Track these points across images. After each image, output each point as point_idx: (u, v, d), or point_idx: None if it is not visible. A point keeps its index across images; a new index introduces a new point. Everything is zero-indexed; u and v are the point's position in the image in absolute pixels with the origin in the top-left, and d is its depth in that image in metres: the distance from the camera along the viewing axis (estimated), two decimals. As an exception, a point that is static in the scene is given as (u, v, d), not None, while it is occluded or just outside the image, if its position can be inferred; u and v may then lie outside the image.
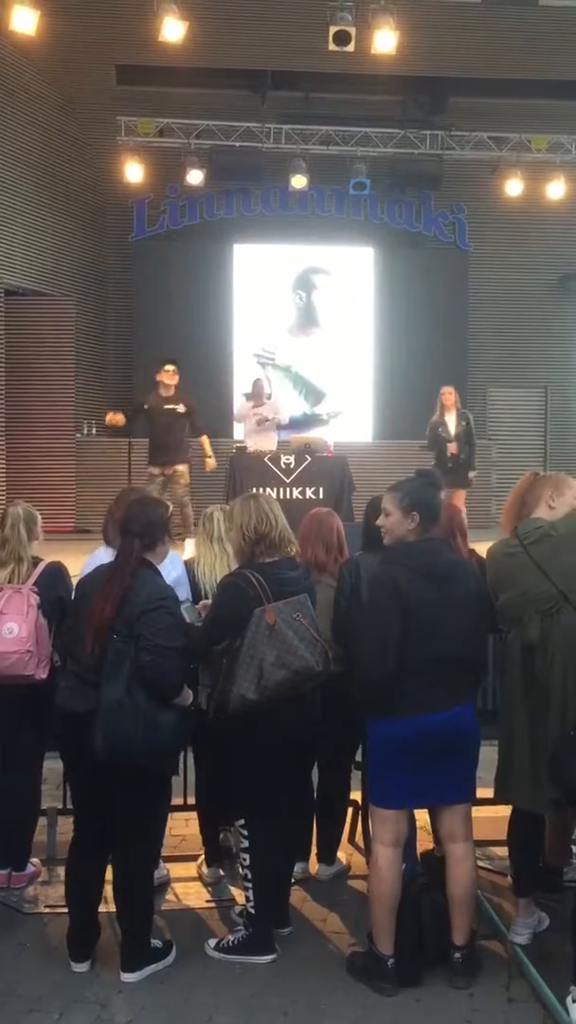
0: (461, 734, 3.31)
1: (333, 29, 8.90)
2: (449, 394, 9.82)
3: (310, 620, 3.45)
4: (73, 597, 3.67)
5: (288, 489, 10.09)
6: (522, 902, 3.66)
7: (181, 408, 9.33)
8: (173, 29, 8.81)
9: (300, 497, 9.98)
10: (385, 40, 8.93)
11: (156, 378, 9.49)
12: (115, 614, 3.25)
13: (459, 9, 9.63)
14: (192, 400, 9.48)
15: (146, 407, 9.47)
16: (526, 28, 10.59)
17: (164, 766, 3.47)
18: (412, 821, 3.63)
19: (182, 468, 9.38)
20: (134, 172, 12.45)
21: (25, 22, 8.53)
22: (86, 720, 3.22)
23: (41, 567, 4.03)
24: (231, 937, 3.61)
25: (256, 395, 10.62)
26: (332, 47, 8.98)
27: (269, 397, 10.87)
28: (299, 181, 12.61)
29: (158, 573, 3.47)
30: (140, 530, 3.42)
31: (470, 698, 3.39)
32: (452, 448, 9.60)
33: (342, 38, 8.92)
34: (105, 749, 3.19)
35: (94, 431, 12.50)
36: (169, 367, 9.41)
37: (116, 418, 9.33)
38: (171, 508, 3.66)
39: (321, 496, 10.02)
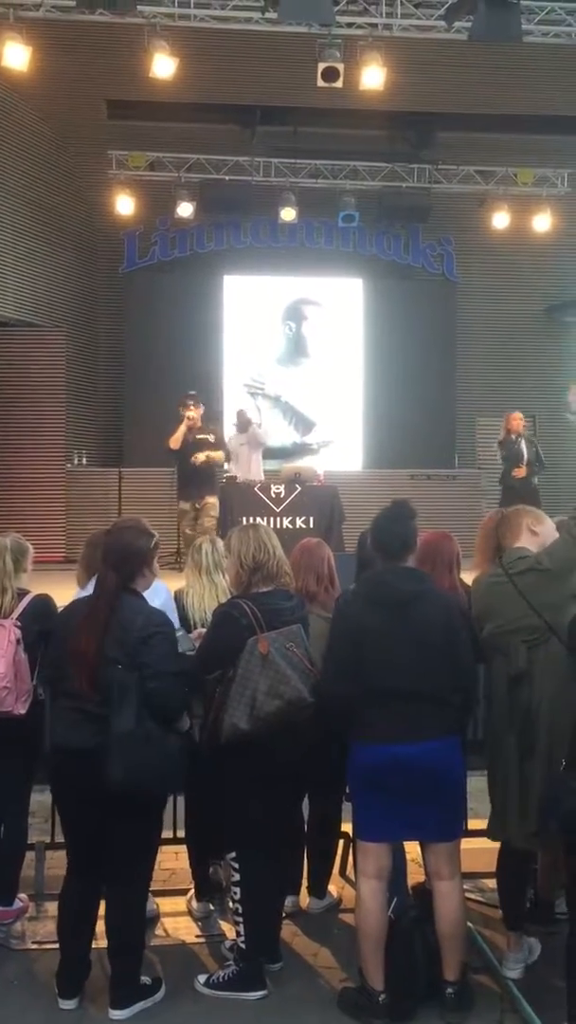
0: (437, 771, 3.26)
1: (321, 66, 9.01)
2: (518, 419, 9.90)
3: (303, 650, 3.45)
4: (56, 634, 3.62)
5: (278, 519, 10.08)
6: (512, 936, 3.63)
7: (212, 438, 9.42)
8: (164, 66, 8.91)
9: (290, 527, 9.97)
10: (373, 76, 9.06)
11: (181, 411, 9.48)
12: (99, 646, 3.23)
13: (445, 46, 9.76)
14: (217, 428, 9.53)
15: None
16: (511, 64, 10.75)
17: (171, 791, 3.48)
18: (401, 854, 3.61)
19: (212, 500, 9.40)
20: (125, 205, 12.57)
21: (17, 57, 8.64)
22: (89, 755, 3.18)
23: (27, 600, 3.97)
24: (221, 973, 3.57)
25: (242, 425, 10.66)
26: (320, 83, 9.09)
27: (259, 425, 10.91)
28: (288, 214, 12.73)
29: (145, 600, 3.45)
30: (115, 561, 3.40)
31: (449, 734, 3.32)
32: (520, 472, 9.66)
33: (330, 74, 9.04)
34: (124, 781, 3.14)
35: (84, 461, 12.51)
36: (191, 400, 9.45)
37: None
38: (157, 537, 3.61)
39: (311, 525, 10.02)
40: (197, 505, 9.30)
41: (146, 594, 3.60)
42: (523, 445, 9.79)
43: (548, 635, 3.40)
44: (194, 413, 9.49)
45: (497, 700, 3.50)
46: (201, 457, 9.44)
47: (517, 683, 3.38)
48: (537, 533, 3.59)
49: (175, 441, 9.48)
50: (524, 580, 3.44)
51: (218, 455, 9.52)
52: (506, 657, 3.43)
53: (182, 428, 9.46)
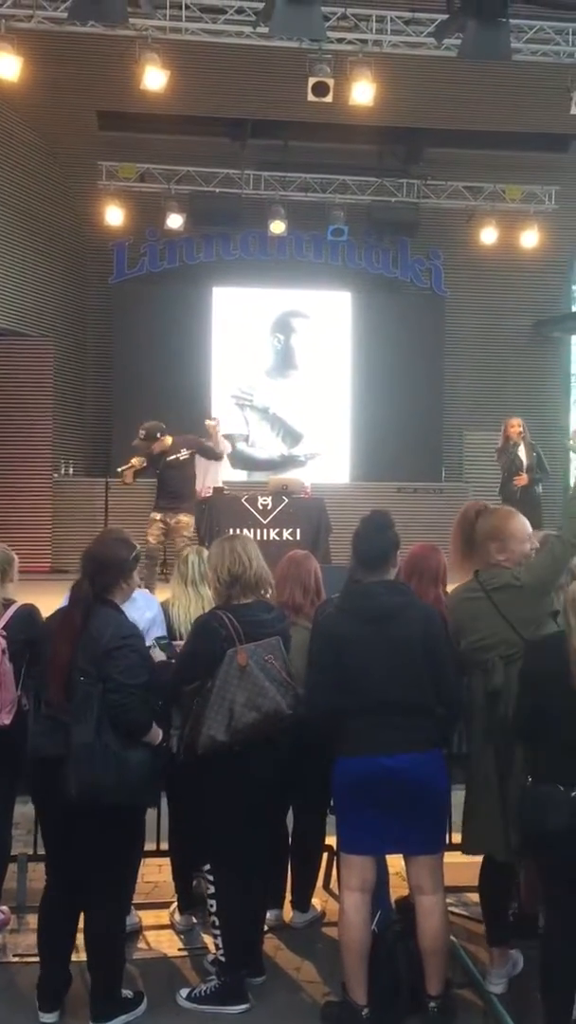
0: (419, 783, 3.24)
1: (312, 80, 9.06)
2: (516, 425, 9.51)
3: (282, 662, 3.45)
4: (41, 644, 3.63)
5: (265, 530, 10.09)
6: (495, 951, 3.62)
7: (184, 454, 8.91)
8: (155, 78, 8.94)
9: (277, 538, 9.98)
10: (363, 92, 9.13)
11: (146, 446, 8.95)
12: (72, 656, 3.22)
13: (435, 63, 9.84)
14: (193, 440, 9.25)
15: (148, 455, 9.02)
16: (500, 82, 10.84)
17: (138, 804, 3.41)
18: (384, 867, 3.60)
19: (186, 519, 8.89)
20: (115, 216, 12.59)
21: (8, 68, 8.66)
22: (56, 764, 3.18)
23: (12, 610, 3.96)
24: (203, 987, 3.55)
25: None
26: (311, 98, 9.15)
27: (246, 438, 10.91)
28: (278, 227, 12.78)
29: (121, 611, 3.44)
30: (92, 571, 3.39)
31: (432, 746, 3.31)
32: (521, 479, 9.28)
33: (321, 89, 9.09)
34: (78, 793, 3.15)
35: (71, 471, 12.49)
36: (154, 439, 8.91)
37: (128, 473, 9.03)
38: (138, 550, 3.58)
39: (298, 537, 10.03)
40: (169, 520, 8.83)
41: (138, 606, 3.59)
42: (521, 451, 9.43)
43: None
44: (163, 447, 8.91)
45: (475, 715, 3.49)
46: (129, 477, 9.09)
47: (495, 699, 3.37)
48: (505, 560, 3.51)
49: (128, 475, 9.07)
50: (500, 596, 3.44)
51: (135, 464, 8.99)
52: (484, 672, 3.42)
53: (133, 464, 9.00)
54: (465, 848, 3.59)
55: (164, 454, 8.92)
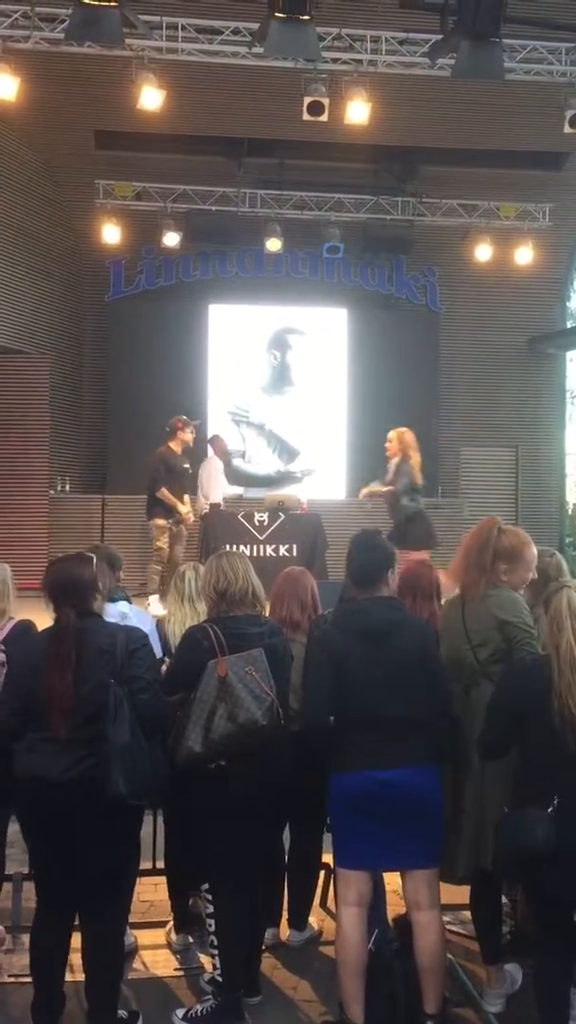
0: (414, 798, 3.25)
1: (307, 100, 9.14)
2: (389, 439, 8.80)
3: (263, 674, 3.43)
4: (16, 670, 3.53)
5: (262, 546, 10.10)
6: (491, 969, 3.60)
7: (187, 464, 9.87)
8: (151, 98, 9.00)
9: (273, 554, 9.99)
10: (358, 111, 9.19)
11: (180, 434, 9.81)
12: (73, 684, 3.19)
13: (429, 82, 9.91)
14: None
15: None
16: (494, 101, 10.93)
17: (161, 800, 3.51)
18: (380, 884, 3.59)
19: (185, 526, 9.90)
20: (111, 234, 12.65)
21: (6, 88, 8.71)
22: (67, 786, 3.15)
23: (9, 626, 3.98)
24: (199, 1007, 3.52)
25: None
26: (306, 117, 9.22)
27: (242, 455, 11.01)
28: (274, 244, 12.85)
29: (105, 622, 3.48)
30: (66, 596, 3.34)
31: (427, 761, 3.31)
32: (368, 491, 8.94)
33: (316, 108, 9.17)
34: (128, 793, 3.15)
35: (68, 488, 12.48)
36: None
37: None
38: (95, 559, 3.56)
39: (295, 553, 10.04)
40: (174, 527, 9.67)
41: (131, 623, 3.60)
42: (393, 464, 8.69)
43: (479, 678, 3.42)
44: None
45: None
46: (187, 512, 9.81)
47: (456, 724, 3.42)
48: (507, 580, 3.55)
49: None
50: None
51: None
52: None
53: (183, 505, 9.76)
54: (444, 877, 3.51)
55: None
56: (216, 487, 10.58)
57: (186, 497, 9.89)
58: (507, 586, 3.54)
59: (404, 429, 8.85)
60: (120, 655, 3.25)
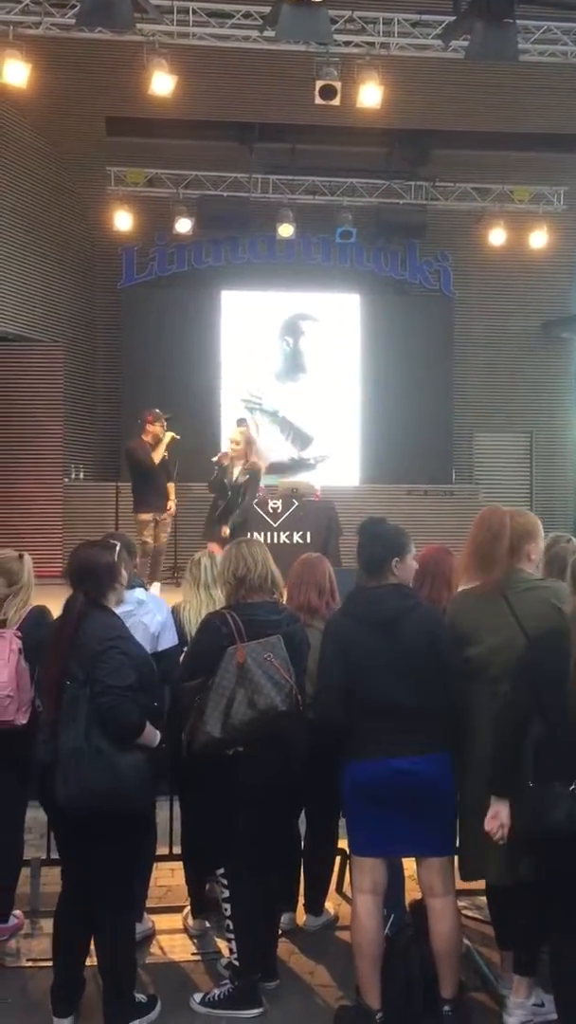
0: (428, 785, 3.25)
1: (319, 83, 9.06)
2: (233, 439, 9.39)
3: (281, 661, 3.44)
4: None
5: (275, 534, 10.08)
6: (519, 979, 3.40)
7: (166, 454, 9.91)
8: (162, 83, 8.96)
9: (287, 542, 9.97)
10: (370, 94, 9.12)
11: (158, 430, 9.86)
12: (63, 664, 3.23)
13: (442, 64, 9.81)
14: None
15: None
16: (508, 83, 10.82)
17: (136, 810, 3.35)
18: (397, 870, 3.59)
19: (168, 514, 9.99)
20: (123, 220, 12.62)
21: (17, 75, 8.68)
22: (52, 771, 3.18)
23: (26, 610, 3.99)
24: (217, 991, 3.55)
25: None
26: (318, 101, 9.15)
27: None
28: (286, 230, 12.80)
29: (114, 615, 3.45)
30: (81, 581, 3.40)
31: (440, 748, 3.30)
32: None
33: (328, 92, 9.10)
34: (66, 798, 3.15)
35: (82, 475, 12.50)
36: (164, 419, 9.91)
37: None
38: (119, 548, 3.58)
39: (308, 540, 10.02)
40: (158, 517, 9.70)
41: (148, 610, 3.60)
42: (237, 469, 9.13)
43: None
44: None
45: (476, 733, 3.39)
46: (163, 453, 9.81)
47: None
48: (533, 559, 3.61)
49: (157, 456, 9.79)
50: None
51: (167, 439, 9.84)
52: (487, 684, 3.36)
53: (163, 446, 9.79)
54: (463, 874, 3.49)
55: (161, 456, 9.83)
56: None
57: (170, 487, 9.93)
58: (532, 565, 3.57)
59: None
60: (88, 654, 3.22)
